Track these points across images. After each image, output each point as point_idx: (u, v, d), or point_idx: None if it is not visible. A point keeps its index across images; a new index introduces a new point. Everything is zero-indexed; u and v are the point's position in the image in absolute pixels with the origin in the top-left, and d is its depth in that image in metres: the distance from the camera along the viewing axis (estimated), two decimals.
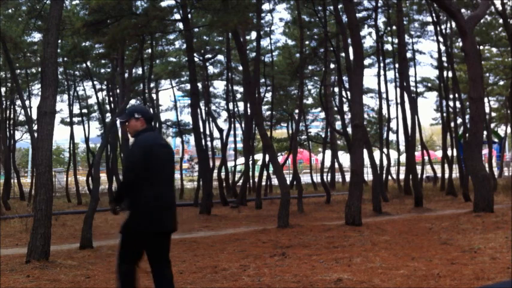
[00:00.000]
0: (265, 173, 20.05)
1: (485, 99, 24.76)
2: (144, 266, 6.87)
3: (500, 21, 19.33)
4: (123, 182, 4.25)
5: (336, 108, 24.83)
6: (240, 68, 20.73)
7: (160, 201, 4.16)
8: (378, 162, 18.01)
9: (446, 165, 20.43)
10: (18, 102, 23.28)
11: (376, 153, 18.80)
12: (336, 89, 24.25)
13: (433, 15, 18.82)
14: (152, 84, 22.86)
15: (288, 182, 16.97)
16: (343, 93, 19.51)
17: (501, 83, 27.77)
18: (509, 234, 8.05)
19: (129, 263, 4.31)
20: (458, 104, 19.59)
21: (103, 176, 18.40)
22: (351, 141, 13.30)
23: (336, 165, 27.73)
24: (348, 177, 22.85)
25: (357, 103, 11.26)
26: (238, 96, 25.63)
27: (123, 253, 4.32)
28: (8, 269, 6.72)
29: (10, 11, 15.75)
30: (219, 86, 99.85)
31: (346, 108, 22.07)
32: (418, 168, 19.18)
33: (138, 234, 4.18)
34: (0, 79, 21.28)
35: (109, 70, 22.46)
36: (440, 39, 19.83)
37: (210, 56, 23.05)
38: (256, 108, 13.27)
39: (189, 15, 15.54)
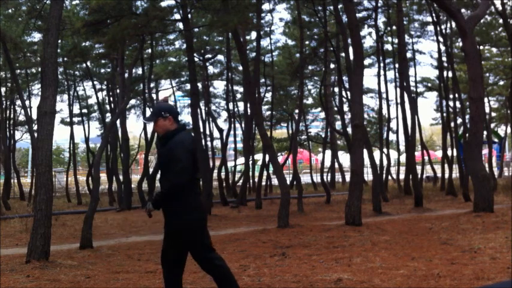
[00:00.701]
0: (265, 173, 20.05)
1: (485, 99, 24.75)
2: (145, 266, 6.88)
3: (500, 21, 19.32)
4: (174, 186, 4.12)
5: (336, 108, 24.84)
6: (240, 68, 20.74)
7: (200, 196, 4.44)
8: (378, 162, 18.01)
9: (446, 165, 20.43)
10: (18, 102, 23.30)
11: (376, 153, 18.80)
12: (336, 89, 24.27)
13: (433, 15, 18.82)
14: (152, 84, 22.86)
15: (288, 182, 16.98)
16: (343, 93, 19.52)
17: (501, 83, 27.77)
18: (509, 234, 8.04)
19: (212, 249, 4.45)
20: (458, 104, 19.59)
21: (103, 176, 18.42)
22: (351, 141, 13.30)
23: (336, 165, 27.72)
24: (348, 177, 22.86)
25: (357, 103, 11.26)
26: (238, 96, 25.65)
27: (201, 244, 4.33)
28: (8, 269, 6.72)
29: (10, 11, 15.76)
30: (219, 86, 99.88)
31: (346, 108, 22.08)
32: (418, 168, 19.17)
33: (198, 229, 4.30)
34: (0, 79, 21.29)
35: (109, 70, 22.47)
36: (440, 39, 19.83)
37: (210, 56, 23.06)
38: (256, 108, 13.27)
39: (189, 15, 15.54)
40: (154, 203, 4.19)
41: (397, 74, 21.16)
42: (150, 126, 21.83)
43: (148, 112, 23.64)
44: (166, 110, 4.31)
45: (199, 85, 21.92)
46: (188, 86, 22.85)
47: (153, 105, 4.72)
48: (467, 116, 17.84)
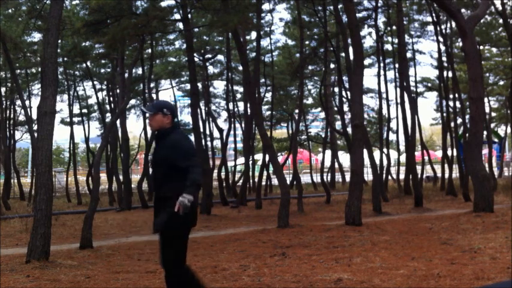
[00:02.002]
0: (265, 173, 20.03)
1: (485, 99, 24.74)
2: (145, 266, 6.88)
3: (500, 21, 19.32)
4: (200, 173, 4.10)
5: (336, 108, 24.83)
6: (240, 68, 20.73)
7: None
8: (378, 162, 18.01)
9: (446, 165, 20.42)
10: (18, 102, 23.29)
11: (376, 153, 18.79)
12: (336, 89, 24.26)
13: (433, 15, 18.81)
14: (152, 84, 22.87)
15: (288, 182, 16.97)
16: (343, 93, 19.51)
17: (501, 83, 27.76)
18: (509, 234, 8.05)
19: (185, 263, 4.23)
20: (458, 104, 19.58)
21: (103, 176, 18.41)
22: (351, 141, 13.30)
23: (336, 165, 27.72)
24: (348, 177, 22.85)
25: (357, 103, 11.26)
26: (238, 96, 25.65)
27: (180, 254, 4.15)
28: (8, 269, 6.72)
29: (10, 11, 15.75)
30: (219, 86, 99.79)
31: (346, 108, 22.08)
32: (418, 168, 19.17)
33: (186, 230, 4.18)
34: (0, 79, 21.29)
35: (109, 70, 22.47)
36: (440, 39, 19.83)
37: (210, 56, 23.06)
38: (256, 108, 13.27)
39: (189, 15, 15.54)
40: (190, 191, 3.96)
41: (397, 74, 21.18)
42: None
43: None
44: (168, 108, 4.35)
45: (199, 85, 21.92)
46: (188, 86, 22.85)
47: (157, 101, 4.73)
48: (467, 116, 17.83)
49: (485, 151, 22.27)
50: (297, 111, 20.25)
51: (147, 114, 4.36)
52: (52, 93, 7.47)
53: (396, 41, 18.98)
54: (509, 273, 5.61)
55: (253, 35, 21.72)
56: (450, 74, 20.17)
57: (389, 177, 23.06)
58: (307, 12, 20.26)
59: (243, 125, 21.72)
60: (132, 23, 12.72)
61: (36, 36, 19.05)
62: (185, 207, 3.94)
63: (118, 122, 17.52)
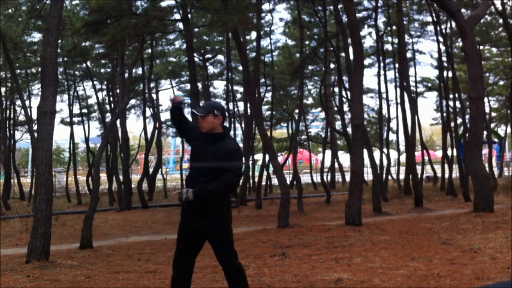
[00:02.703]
0: (265, 173, 20.03)
1: (485, 99, 24.73)
2: (145, 266, 6.88)
3: (500, 21, 19.32)
4: (232, 185, 4.24)
5: (336, 108, 24.84)
6: (240, 68, 20.73)
7: None
8: (378, 162, 18.00)
9: (446, 165, 20.42)
10: (18, 102, 23.28)
11: (376, 153, 18.78)
12: (336, 89, 24.26)
13: (433, 15, 18.81)
14: (152, 84, 22.86)
15: (288, 182, 16.97)
16: (343, 93, 19.51)
17: (501, 83, 27.75)
18: (509, 234, 8.05)
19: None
20: (458, 104, 19.58)
21: (103, 176, 18.41)
22: (351, 141, 13.30)
23: (336, 165, 27.72)
24: (348, 177, 22.85)
25: (357, 103, 11.26)
26: (238, 96, 25.66)
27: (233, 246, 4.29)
28: (8, 269, 6.72)
29: (10, 11, 15.75)
30: (219, 86, 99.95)
31: (346, 108, 22.08)
32: (418, 168, 19.16)
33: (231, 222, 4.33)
34: (0, 79, 21.28)
35: (109, 70, 22.47)
36: (440, 39, 19.83)
37: (210, 56, 23.07)
38: (256, 108, 13.27)
39: (189, 15, 15.54)
40: (199, 193, 4.00)
41: (397, 74, 21.17)
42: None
43: (148, 111, 23.68)
44: (219, 109, 4.27)
45: (199, 85, 21.92)
46: (188, 86, 22.84)
47: (208, 103, 4.62)
48: (467, 116, 17.83)
49: (485, 151, 22.27)
50: (297, 111, 20.24)
51: (198, 116, 4.27)
52: (52, 93, 7.46)
53: (396, 41, 18.97)
54: (509, 273, 5.61)
55: (253, 35, 21.76)
56: (450, 74, 20.17)
57: (389, 177, 23.06)
58: (307, 12, 20.25)
59: (243, 125, 21.72)
60: (132, 23, 12.72)
61: (36, 36, 19.07)
62: (179, 198, 4.05)
63: (118, 122, 17.52)
